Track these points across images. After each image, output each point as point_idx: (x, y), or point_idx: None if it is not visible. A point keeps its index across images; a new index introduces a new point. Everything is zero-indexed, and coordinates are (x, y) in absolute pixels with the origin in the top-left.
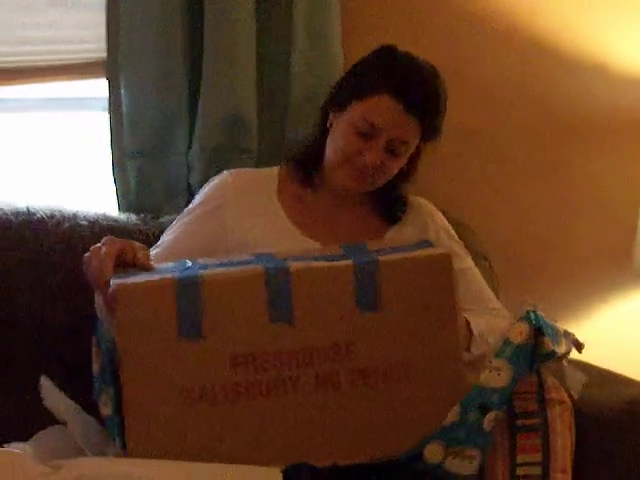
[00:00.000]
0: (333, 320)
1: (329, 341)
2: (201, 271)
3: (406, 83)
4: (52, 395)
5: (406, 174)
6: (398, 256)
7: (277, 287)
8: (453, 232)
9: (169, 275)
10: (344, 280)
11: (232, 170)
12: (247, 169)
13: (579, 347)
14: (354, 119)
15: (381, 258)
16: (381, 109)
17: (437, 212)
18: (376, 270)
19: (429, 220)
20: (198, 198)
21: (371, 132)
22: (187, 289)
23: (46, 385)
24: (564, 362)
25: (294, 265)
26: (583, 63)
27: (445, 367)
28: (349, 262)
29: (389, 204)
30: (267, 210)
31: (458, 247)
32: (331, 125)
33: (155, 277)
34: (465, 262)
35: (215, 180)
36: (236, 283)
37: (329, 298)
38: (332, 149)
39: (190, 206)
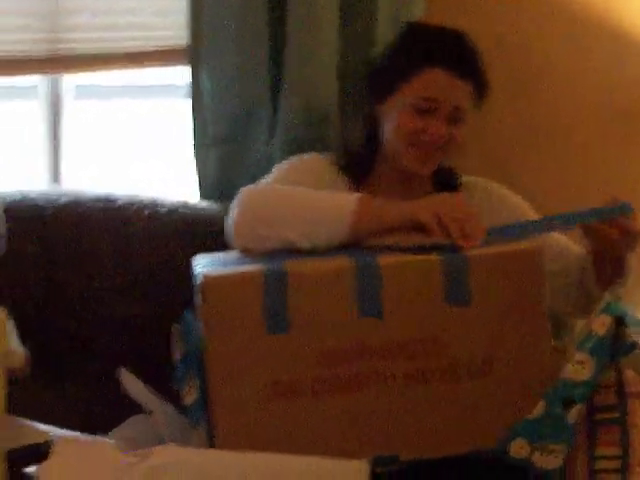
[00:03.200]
0: (422, 315)
1: (418, 336)
2: (288, 262)
3: (449, 51)
4: (134, 386)
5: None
6: (488, 250)
7: (366, 281)
8: (529, 211)
9: (256, 266)
10: (433, 275)
11: (309, 155)
12: (321, 154)
13: None
14: (409, 100)
15: (469, 253)
16: (435, 82)
17: (496, 186)
18: (465, 265)
19: (493, 193)
20: (283, 172)
21: (430, 107)
22: (274, 282)
23: (127, 376)
24: None
25: (383, 259)
26: None
27: (534, 361)
28: (438, 257)
29: (450, 182)
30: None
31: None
32: (377, 118)
33: (242, 268)
34: None
35: (295, 159)
36: (324, 277)
37: (418, 293)
38: (391, 136)
39: (280, 172)
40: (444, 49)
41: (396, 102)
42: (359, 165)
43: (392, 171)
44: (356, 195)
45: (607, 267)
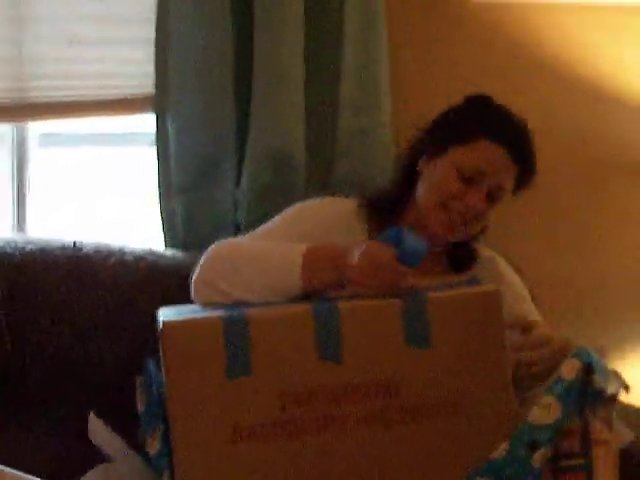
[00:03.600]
0: (382, 357)
1: (378, 378)
2: (249, 309)
3: (510, 131)
4: (100, 432)
5: (482, 229)
6: (447, 293)
7: (325, 325)
8: (522, 291)
9: (216, 313)
10: (393, 317)
11: (325, 198)
12: (337, 199)
13: (627, 388)
14: (458, 163)
15: (430, 295)
16: (488, 155)
17: (507, 267)
18: (425, 307)
19: (499, 270)
20: (286, 220)
21: (474, 177)
22: (235, 326)
23: (94, 422)
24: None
25: (343, 303)
26: (617, 98)
27: (495, 403)
28: (397, 300)
29: (462, 256)
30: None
31: (526, 306)
32: (421, 170)
33: (203, 315)
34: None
35: (306, 204)
36: (284, 320)
37: (378, 335)
38: (427, 192)
39: (274, 225)
40: (506, 127)
41: (444, 162)
42: (384, 211)
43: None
44: (302, 248)
45: None
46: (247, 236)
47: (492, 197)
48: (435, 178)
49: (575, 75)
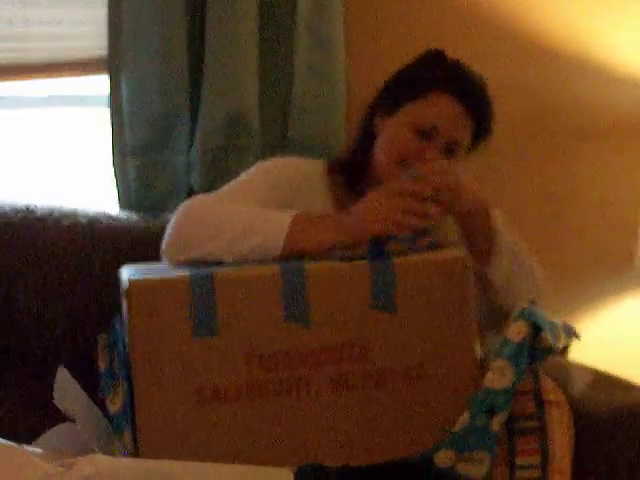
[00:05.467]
0: (348, 320)
1: (343, 341)
2: (216, 268)
3: (465, 85)
4: (66, 386)
5: None
6: (414, 257)
7: (292, 286)
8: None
9: (183, 272)
10: (360, 280)
11: (286, 158)
12: (298, 158)
13: (577, 337)
14: (412, 118)
15: (397, 259)
16: (441, 107)
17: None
18: (392, 271)
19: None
20: (249, 175)
21: (430, 132)
22: (201, 286)
23: (62, 375)
24: (568, 360)
25: (309, 265)
26: (585, 63)
27: (459, 370)
28: (365, 262)
29: None
30: (316, 204)
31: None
32: (378, 130)
33: (169, 274)
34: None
35: (267, 162)
36: (251, 281)
37: (344, 298)
38: (384, 151)
39: (243, 183)
40: (460, 79)
41: (399, 119)
42: (348, 173)
43: (374, 189)
44: (289, 215)
45: (477, 242)
46: (213, 195)
47: (448, 152)
48: (391, 136)
49: (548, 42)
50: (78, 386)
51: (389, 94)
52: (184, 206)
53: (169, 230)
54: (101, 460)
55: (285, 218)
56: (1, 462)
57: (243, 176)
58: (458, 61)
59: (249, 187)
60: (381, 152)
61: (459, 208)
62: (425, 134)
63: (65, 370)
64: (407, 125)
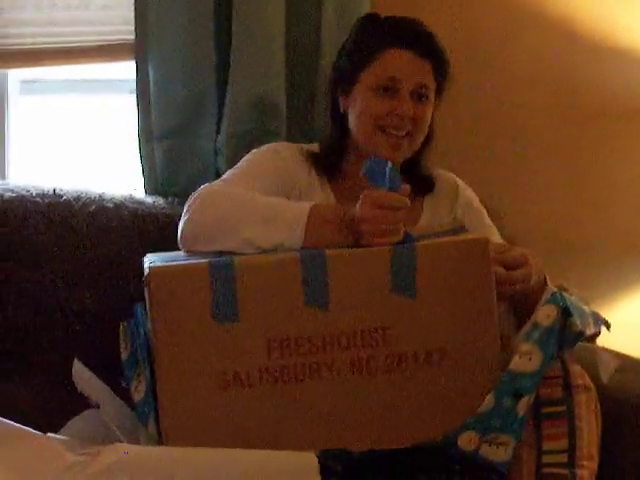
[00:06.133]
0: (369, 305)
1: (365, 326)
2: (236, 256)
3: (405, 31)
4: (85, 378)
5: (426, 140)
6: (435, 241)
7: (312, 271)
8: (479, 208)
9: (203, 259)
10: (380, 264)
11: (279, 143)
12: (291, 144)
13: (607, 326)
14: (371, 83)
15: (418, 243)
16: (395, 61)
17: (463, 184)
18: (413, 254)
19: (459, 192)
20: (252, 161)
21: (392, 85)
22: (221, 272)
23: (79, 368)
24: (596, 345)
25: (330, 250)
26: (609, 47)
27: (482, 353)
28: (385, 248)
29: (419, 177)
30: (314, 186)
31: (483, 219)
32: (345, 110)
33: (189, 261)
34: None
35: (263, 148)
36: (271, 266)
37: (365, 282)
38: (358, 125)
39: (239, 169)
40: (400, 31)
41: (360, 90)
42: (329, 160)
43: (362, 163)
44: (307, 206)
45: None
46: (221, 184)
47: (418, 97)
48: (359, 107)
49: (565, 24)
50: (95, 377)
51: (343, 71)
52: (197, 197)
53: (185, 222)
54: (125, 448)
55: (303, 210)
56: (25, 451)
57: (242, 163)
58: (392, 16)
59: (251, 174)
60: (357, 126)
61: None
62: (388, 89)
63: (79, 362)
64: (369, 90)
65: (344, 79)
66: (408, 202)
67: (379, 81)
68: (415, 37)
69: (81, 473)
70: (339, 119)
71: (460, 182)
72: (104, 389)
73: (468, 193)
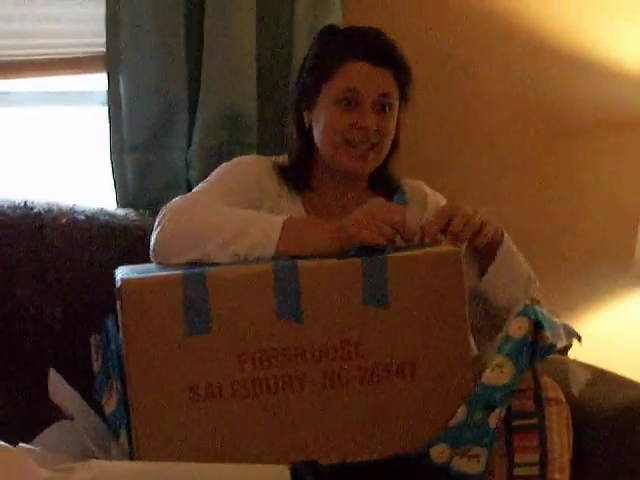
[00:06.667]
0: (341, 317)
1: (337, 338)
2: (209, 267)
3: (363, 43)
4: (59, 387)
5: (392, 149)
6: (406, 253)
7: (285, 283)
8: None
9: (176, 271)
10: (352, 277)
11: (249, 156)
12: (261, 157)
13: (579, 339)
14: (333, 96)
15: (389, 255)
16: (354, 73)
17: (432, 191)
18: (384, 266)
19: (428, 198)
20: (222, 174)
21: (354, 98)
22: (194, 284)
23: (54, 377)
24: (567, 359)
25: (302, 262)
26: (586, 61)
27: (454, 365)
28: (357, 260)
29: (387, 186)
30: (285, 199)
31: None
32: (310, 125)
33: (162, 273)
34: None
35: (234, 161)
36: (243, 279)
37: (337, 294)
38: (324, 138)
39: (209, 182)
40: (358, 42)
41: (322, 103)
42: (297, 174)
43: (330, 176)
44: (281, 219)
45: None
46: (192, 197)
47: (381, 107)
48: (322, 123)
49: (535, 37)
50: (70, 387)
51: (305, 86)
52: (169, 210)
53: (157, 235)
54: (98, 465)
55: (276, 222)
56: None
57: (212, 177)
58: (351, 26)
59: (222, 188)
60: (322, 141)
61: (479, 242)
62: (350, 102)
63: (55, 372)
64: (331, 104)
65: (307, 94)
66: (405, 213)
67: (340, 94)
68: (374, 47)
69: None
70: (305, 133)
71: (428, 189)
72: (78, 400)
73: (438, 198)
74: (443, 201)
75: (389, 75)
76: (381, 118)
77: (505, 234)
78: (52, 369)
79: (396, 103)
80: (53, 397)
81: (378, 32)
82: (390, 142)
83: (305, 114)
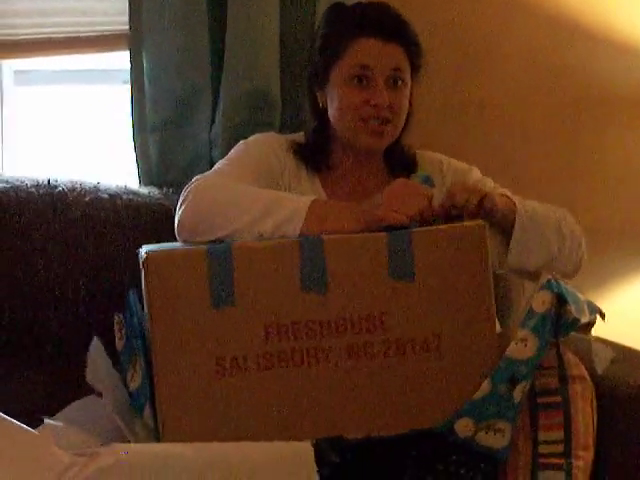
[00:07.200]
0: (366, 290)
1: (362, 311)
2: (233, 242)
3: (371, 19)
4: (98, 358)
5: (406, 123)
6: (432, 227)
7: (310, 256)
8: (467, 168)
9: (200, 246)
10: (377, 250)
11: (267, 134)
12: (279, 135)
13: (602, 315)
14: (346, 74)
15: (414, 229)
16: (365, 50)
17: (447, 158)
18: (409, 240)
19: (444, 165)
20: (241, 152)
21: (366, 75)
22: (218, 257)
23: (96, 346)
24: (591, 336)
25: (328, 236)
26: (608, 39)
27: (478, 339)
28: (383, 233)
29: (403, 161)
30: (302, 177)
31: (476, 174)
32: (324, 105)
33: (187, 247)
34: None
35: (252, 139)
36: (268, 251)
37: (362, 268)
38: (339, 117)
39: (230, 160)
40: (366, 19)
41: (335, 82)
42: (314, 153)
43: (347, 154)
44: (307, 200)
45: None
46: (215, 175)
47: (393, 82)
48: (337, 100)
49: (562, 13)
50: (108, 359)
51: (316, 66)
52: (194, 188)
53: (182, 212)
54: (121, 449)
55: (302, 203)
56: (22, 451)
57: (232, 154)
58: (358, 3)
59: (243, 166)
60: (336, 119)
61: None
62: (362, 79)
63: (98, 341)
64: (343, 82)
65: (319, 74)
66: (432, 197)
67: (352, 72)
68: (382, 22)
69: (79, 475)
70: (320, 114)
71: (443, 157)
72: (113, 373)
73: (453, 162)
74: (458, 165)
75: (400, 50)
76: (394, 93)
77: (519, 205)
78: (95, 338)
79: (408, 77)
80: (88, 371)
81: (385, 7)
82: (405, 116)
83: (318, 94)
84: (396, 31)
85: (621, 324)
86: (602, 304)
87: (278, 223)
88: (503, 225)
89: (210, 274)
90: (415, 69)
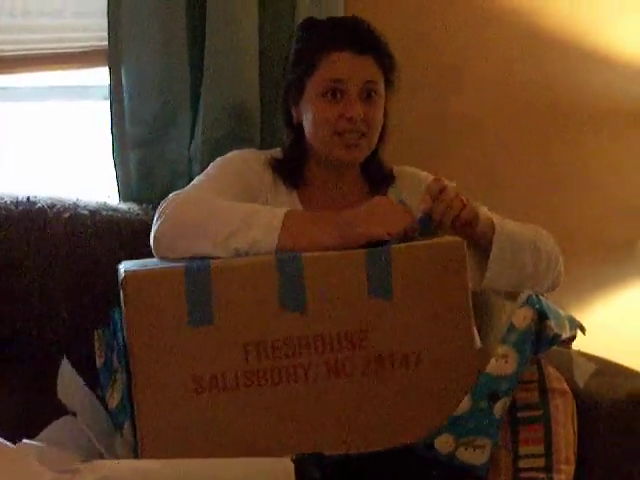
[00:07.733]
0: (345, 307)
1: (341, 329)
2: (212, 260)
3: (342, 32)
4: (68, 379)
5: (381, 136)
6: (410, 243)
7: (289, 275)
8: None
9: (179, 264)
10: (356, 267)
11: (245, 150)
12: (257, 151)
13: (582, 330)
14: (318, 90)
15: (393, 246)
16: (337, 64)
17: (426, 173)
18: (388, 257)
19: (422, 181)
20: (219, 167)
21: (339, 89)
22: (196, 276)
23: (65, 368)
24: (572, 350)
25: (306, 253)
26: (583, 51)
27: (458, 355)
28: (361, 250)
29: (379, 174)
30: (281, 192)
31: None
32: (299, 120)
33: (165, 266)
34: None
35: (230, 155)
36: (246, 269)
37: (341, 285)
38: (314, 132)
39: (207, 176)
40: (339, 32)
41: (309, 97)
42: (291, 169)
43: (323, 169)
44: (281, 214)
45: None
46: (191, 191)
47: (367, 95)
48: (310, 117)
49: (537, 26)
50: (80, 379)
51: (290, 82)
52: (170, 203)
53: (157, 229)
54: (102, 466)
55: (277, 217)
56: (2, 466)
57: (210, 170)
58: (330, 17)
59: (220, 181)
60: (312, 134)
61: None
62: (336, 93)
63: (67, 362)
64: (317, 97)
65: (293, 90)
66: (413, 217)
67: (325, 86)
68: (354, 35)
69: None
70: (295, 129)
71: (422, 173)
72: (85, 394)
73: (431, 178)
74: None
75: (372, 62)
76: (368, 106)
77: (497, 223)
78: (64, 359)
79: (382, 90)
80: (60, 391)
81: (358, 20)
82: (379, 129)
83: (293, 110)
84: (368, 43)
85: (602, 337)
86: (583, 317)
87: (253, 240)
88: (481, 243)
89: (188, 293)
90: (389, 82)
